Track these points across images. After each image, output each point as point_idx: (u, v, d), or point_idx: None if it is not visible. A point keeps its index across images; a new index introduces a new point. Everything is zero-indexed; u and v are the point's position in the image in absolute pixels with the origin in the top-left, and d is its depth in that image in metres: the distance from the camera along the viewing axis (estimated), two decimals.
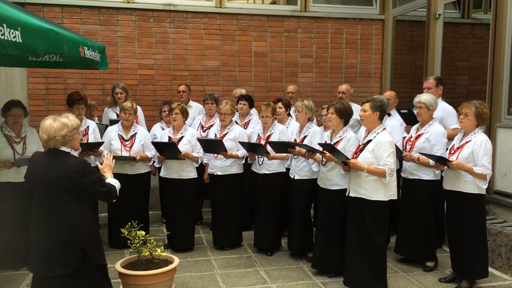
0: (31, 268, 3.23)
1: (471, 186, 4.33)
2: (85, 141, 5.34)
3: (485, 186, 4.32)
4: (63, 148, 3.13)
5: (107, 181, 3.33)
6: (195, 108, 6.78)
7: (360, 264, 4.33)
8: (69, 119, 3.16)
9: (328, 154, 4.51)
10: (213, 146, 5.40)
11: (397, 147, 4.93)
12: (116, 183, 3.38)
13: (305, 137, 5.15)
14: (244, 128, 5.97)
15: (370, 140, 4.29)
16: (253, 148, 5.33)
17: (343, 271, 4.60)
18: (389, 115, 5.80)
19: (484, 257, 4.48)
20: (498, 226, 5.17)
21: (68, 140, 3.12)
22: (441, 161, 4.46)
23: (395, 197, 4.33)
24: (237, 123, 5.97)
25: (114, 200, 3.38)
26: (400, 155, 4.94)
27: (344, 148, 4.54)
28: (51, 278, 3.09)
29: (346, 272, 4.49)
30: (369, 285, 4.33)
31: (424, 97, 4.87)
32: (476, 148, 4.28)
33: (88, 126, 5.49)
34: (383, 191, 4.21)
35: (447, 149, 4.76)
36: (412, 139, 4.94)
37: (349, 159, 4.30)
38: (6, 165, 4.80)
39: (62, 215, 3.06)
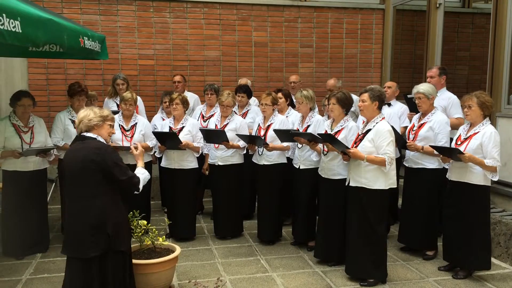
0: (64, 249, 3.33)
1: (478, 177, 4.32)
2: None
3: (496, 178, 4.30)
4: (89, 134, 3.29)
5: (137, 170, 3.48)
6: (190, 98, 6.76)
7: (361, 252, 4.36)
8: (101, 109, 3.41)
9: (330, 145, 4.52)
10: (215, 136, 5.40)
11: (399, 136, 4.94)
12: (143, 174, 3.49)
13: (308, 126, 5.15)
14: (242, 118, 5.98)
15: (369, 130, 4.30)
16: (252, 140, 5.34)
17: (342, 260, 4.65)
18: (389, 105, 5.80)
19: (487, 250, 4.47)
20: (497, 215, 5.19)
21: (93, 126, 3.31)
22: (449, 153, 4.43)
23: (395, 186, 4.35)
24: (235, 113, 5.97)
25: (136, 192, 3.43)
26: (402, 144, 4.94)
27: (346, 138, 4.55)
28: (81, 260, 3.21)
29: (347, 261, 4.53)
30: (369, 273, 4.37)
31: (422, 87, 4.87)
32: (485, 140, 4.26)
33: None
34: (384, 180, 4.23)
35: (451, 139, 4.75)
36: (415, 128, 4.93)
37: (349, 148, 4.31)
38: (14, 154, 4.84)
39: (91, 197, 3.20)
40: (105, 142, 3.35)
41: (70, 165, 3.25)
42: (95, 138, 3.30)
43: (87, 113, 3.33)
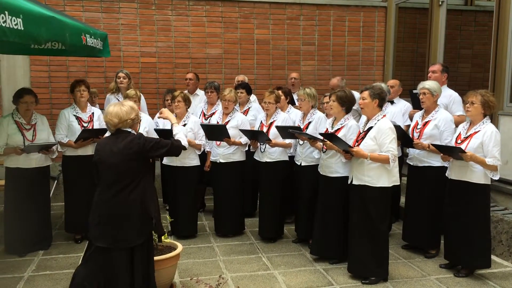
0: (102, 240, 3.30)
1: (478, 176, 4.31)
2: (90, 128, 5.37)
3: (497, 177, 4.28)
4: (124, 128, 3.40)
5: (174, 128, 3.74)
6: (201, 97, 6.77)
7: (363, 251, 4.36)
8: (132, 104, 3.46)
9: (328, 142, 4.52)
10: (216, 132, 5.40)
11: (405, 134, 4.92)
12: (179, 131, 3.68)
13: (309, 123, 5.16)
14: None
15: (371, 128, 4.30)
16: (255, 136, 5.34)
17: (343, 257, 4.66)
18: (392, 103, 5.79)
19: (487, 248, 4.47)
20: (499, 214, 5.19)
21: (135, 123, 3.46)
22: (450, 152, 4.40)
23: (398, 183, 4.35)
24: (236, 110, 5.97)
25: (184, 149, 3.65)
26: (407, 142, 4.92)
27: (345, 136, 4.54)
28: (121, 249, 3.29)
29: (349, 259, 4.53)
30: (371, 271, 4.37)
31: (428, 83, 4.86)
32: (486, 139, 4.24)
33: (93, 113, 5.49)
34: (387, 177, 4.23)
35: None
36: (419, 127, 4.91)
37: (352, 147, 4.31)
38: (16, 151, 4.85)
39: (133, 187, 3.30)
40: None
41: (110, 157, 3.30)
42: (130, 132, 3.42)
43: (127, 111, 3.35)
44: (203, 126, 5.43)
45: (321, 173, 4.85)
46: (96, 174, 3.43)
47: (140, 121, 5.54)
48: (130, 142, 3.30)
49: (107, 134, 3.55)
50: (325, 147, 4.71)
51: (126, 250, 3.32)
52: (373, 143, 4.22)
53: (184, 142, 3.61)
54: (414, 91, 5.44)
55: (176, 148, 3.54)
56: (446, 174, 4.60)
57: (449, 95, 5.30)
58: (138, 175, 3.33)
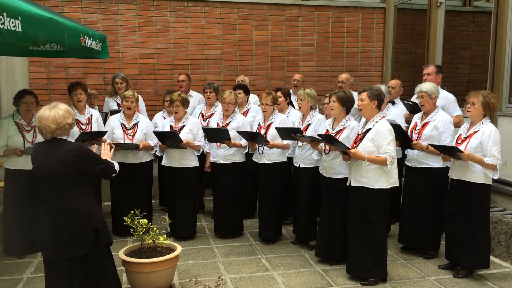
0: (47, 253, 3.30)
1: (478, 176, 4.31)
2: (88, 130, 5.36)
3: (496, 176, 4.28)
4: (63, 137, 3.26)
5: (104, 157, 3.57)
6: (195, 98, 6.78)
7: (361, 252, 4.36)
8: (66, 106, 3.32)
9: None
10: (217, 135, 5.40)
11: (404, 134, 4.92)
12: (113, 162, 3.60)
13: (308, 125, 5.15)
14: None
15: (369, 129, 4.29)
16: (253, 137, 5.33)
17: (343, 258, 4.65)
18: (393, 103, 5.78)
19: (486, 249, 4.47)
20: (498, 214, 5.19)
21: (71, 128, 3.31)
22: (449, 152, 4.41)
23: (397, 184, 4.33)
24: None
25: (114, 175, 3.57)
26: (406, 142, 4.92)
27: (348, 137, 4.54)
28: (67, 260, 3.23)
29: (347, 260, 4.53)
30: (370, 272, 4.37)
31: (425, 86, 4.85)
32: (485, 138, 4.24)
33: (91, 115, 5.50)
34: (385, 179, 4.22)
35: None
36: (418, 128, 4.91)
37: (350, 148, 4.30)
38: (16, 153, 4.85)
39: (72, 198, 3.21)
40: (73, 141, 3.38)
41: (46, 169, 3.19)
42: (66, 140, 3.28)
43: (64, 115, 3.20)
44: (204, 129, 5.44)
45: (324, 175, 4.83)
46: (35, 184, 3.31)
47: (138, 122, 5.57)
48: (67, 152, 3.16)
49: (41, 139, 3.36)
50: (327, 148, 4.70)
51: (71, 259, 3.24)
52: (371, 144, 4.22)
53: (117, 167, 3.57)
54: (406, 102, 5.48)
55: (111, 169, 3.48)
56: (448, 174, 4.61)
57: (444, 97, 5.30)
58: (77, 184, 3.23)
